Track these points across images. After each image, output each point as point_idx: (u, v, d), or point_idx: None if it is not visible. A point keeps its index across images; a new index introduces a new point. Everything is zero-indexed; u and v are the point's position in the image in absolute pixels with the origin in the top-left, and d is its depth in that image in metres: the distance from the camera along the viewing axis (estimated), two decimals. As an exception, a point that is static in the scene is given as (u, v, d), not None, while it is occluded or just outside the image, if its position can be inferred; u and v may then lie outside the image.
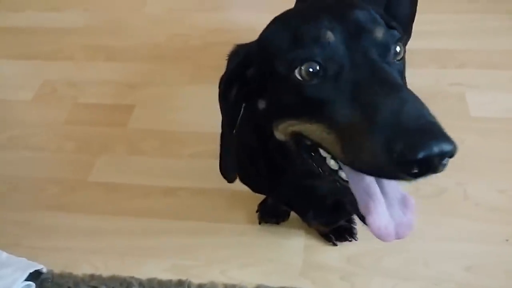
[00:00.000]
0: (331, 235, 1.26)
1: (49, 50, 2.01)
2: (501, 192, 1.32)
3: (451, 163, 1.47)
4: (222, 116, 0.75)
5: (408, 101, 0.51)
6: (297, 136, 0.65)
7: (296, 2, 1.22)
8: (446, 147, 0.46)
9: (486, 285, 1.16)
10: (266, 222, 1.32)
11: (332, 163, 0.64)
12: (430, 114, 0.50)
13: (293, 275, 1.23)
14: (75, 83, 1.84)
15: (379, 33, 0.61)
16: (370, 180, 0.61)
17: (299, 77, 0.60)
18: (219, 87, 0.72)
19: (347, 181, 0.63)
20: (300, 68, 0.59)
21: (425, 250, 1.23)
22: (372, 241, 1.23)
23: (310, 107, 0.60)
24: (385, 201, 0.60)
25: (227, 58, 0.73)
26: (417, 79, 1.61)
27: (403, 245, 1.25)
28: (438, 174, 0.50)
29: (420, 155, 0.46)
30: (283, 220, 1.32)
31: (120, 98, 1.75)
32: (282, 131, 0.67)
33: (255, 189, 1.07)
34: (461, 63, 1.70)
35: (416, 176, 0.49)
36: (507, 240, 1.23)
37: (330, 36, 0.59)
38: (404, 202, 0.62)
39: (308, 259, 1.25)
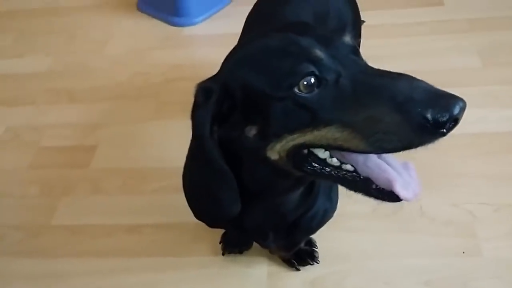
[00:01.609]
0: (293, 260, 1.27)
1: (11, 96, 2.03)
2: (455, 205, 1.37)
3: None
4: (213, 159, 0.71)
5: (412, 79, 0.59)
6: (296, 149, 0.67)
7: (243, 33, 1.26)
8: (463, 103, 0.55)
9: (445, 298, 1.19)
10: (230, 253, 1.34)
11: (334, 161, 0.67)
12: (431, 85, 0.58)
13: (258, 304, 1.24)
14: (38, 127, 1.85)
15: (348, 38, 0.68)
16: (376, 159, 0.66)
17: (300, 92, 0.62)
18: (202, 131, 0.69)
19: (353, 171, 0.67)
20: (301, 84, 0.62)
21: (385, 268, 1.26)
22: (333, 263, 1.28)
23: (316, 116, 0.62)
24: (396, 172, 0.65)
25: (196, 98, 0.70)
26: (371, 102, 1.67)
27: (364, 264, 1.27)
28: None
29: (450, 114, 0.54)
30: (247, 249, 1.33)
31: (83, 139, 1.76)
32: (279, 150, 0.68)
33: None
34: (412, 84, 1.77)
35: (445, 133, 0.56)
36: (463, 252, 1.27)
37: (320, 53, 0.63)
38: (406, 167, 0.67)
39: (272, 286, 1.26)
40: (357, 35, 1.41)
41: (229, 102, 0.70)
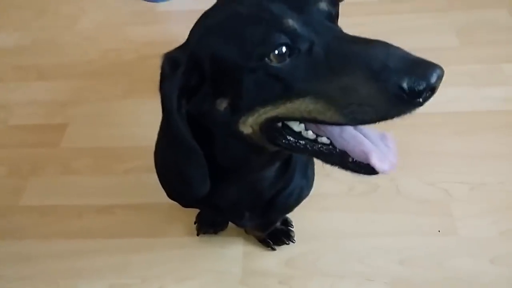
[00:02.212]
0: (268, 240, 1.26)
1: (-23, 73, 1.95)
2: (431, 184, 1.36)
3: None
4: (180, 134, 0.67)
5: (387, 47, 0.56)
6: (269, 122, 0.64)
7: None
8: (440, 70, 0.53)
9: (419, 276, 1.19)
10: (205, 233, 1.31)
11: (310, 134, 0.65)
12: (408, 51, 0.55)
13: (232, 284, 1.22)
14: (5, 105, 1.78)
15: (324, 5, 0.63)
16: (352, 131, 0.64)
17: (272, 63, 0.59)
18: (169, 104, 0.65)
19: (329, 144, 0.65)
20: (272, 54, 0.58)
21: (360, 247, 1.25)
22: (309, 243, 1.27)
23: (288, 87, 0.60)
24: (373, 144, 0.63)
25: (162, 69, 0.66)
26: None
27: (339, 244, 1.26)
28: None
29: (427, 84, 0.52)
30: (222, 229, 1.31)
31: (52, 117, 1.70)
32: (252, 123, 0.65)
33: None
34: (390, 62, 1.75)
35: (422, 103, 0.54)
36: (439, 231, 1.27)
37: (292, 22, 0.59)
38: (383, 138, 0.65)
39: (247, 266, 1.25)
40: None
41: (198, 73, 0.65)
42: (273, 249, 1.26)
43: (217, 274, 1.24)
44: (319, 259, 1.24)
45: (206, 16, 0.68)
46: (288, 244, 1.26)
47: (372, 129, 0.64)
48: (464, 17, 1.94)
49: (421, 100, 0.53)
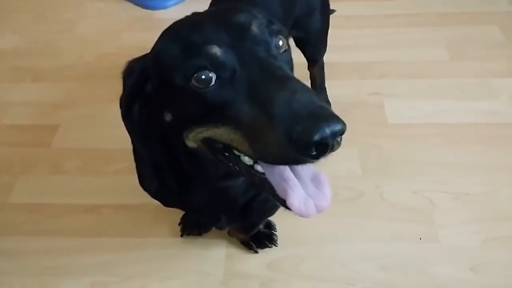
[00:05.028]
0: (251, 243, 1.27)
1: (-27, 73, 1.97)
2: (415, 193, 1.38)
3: (370, 167, 1.50)
4: (129, 134, 0.74)
5: (297, 91, 0.55)
6: (208, 141, 0.66)
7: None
8: (336, 127, 0.50)
9: (399, 282, 1.20)
10: (189, 234, 1.32)
11: (246, 159, 0.64)
12: (318, 100, 0.54)
13: (214, 285, 1.23)
14: (-1, 105, 1.80)
15: (257, 30, 0.64)
16: (284, 167, 0.63)
17: (196, 86, 0.61)
18: (120, 106, 0.71)
19: (263, 173, 0.64)
20: (195, 77, 0.60)
21: (342, 252, 1.26)
22: (292, 246, 1.28)
23: (213, 112, 0.61)
24: (300, 183, 0.62)
25: (122, 76, 0.72)
26: (339, 90, 1.67)
27: (322, 248, 1.27)
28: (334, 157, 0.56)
29: (315, 137, 0.50)
30: (206, 231, 1.32)
31: (45, 118, 1.72)
32: (192, 139, 0.68)
33: (167, 203, 1.06)
34: (380, 74, 1.78)
35: (317, 157, 0.52)
36: (420, 239, 1.28)
37: (216, 49, 0.61)
38: (317, 179, 0.64)
39: (229, 268, 1.26)
40: (323, 22, 1.40)
41: (152, 83, 0.69)
42: (256, 252, 1.27)
43: (200, 275, 1.25)
44: (301, 263, 1.25)
45: (166, 30, 0.71)
46: (271, 247, 1.27)
47: (306, 168, 0.63)
48: (455, 32, 1.98)
49: (313, 153, 0.51)
